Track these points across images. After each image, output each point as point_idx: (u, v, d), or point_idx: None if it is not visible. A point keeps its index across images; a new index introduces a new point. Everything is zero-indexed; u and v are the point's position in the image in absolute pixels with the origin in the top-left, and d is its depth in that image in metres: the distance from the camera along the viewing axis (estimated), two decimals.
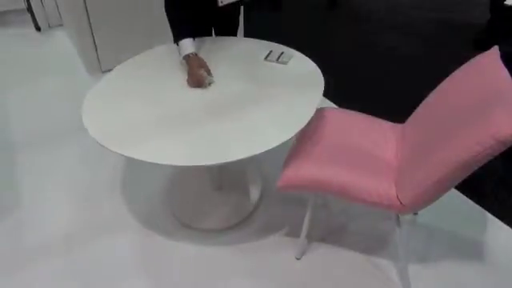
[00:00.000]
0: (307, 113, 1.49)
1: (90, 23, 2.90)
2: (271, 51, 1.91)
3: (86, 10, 2.83)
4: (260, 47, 1.95)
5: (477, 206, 1.97)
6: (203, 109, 1.55)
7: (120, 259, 1.72)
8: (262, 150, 1.32)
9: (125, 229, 1.86)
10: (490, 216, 1.92)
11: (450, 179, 1.22)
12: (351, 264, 1.71)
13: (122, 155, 1.33)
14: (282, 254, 1.75)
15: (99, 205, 1.99)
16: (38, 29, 3.76)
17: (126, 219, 1.91)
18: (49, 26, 3.77)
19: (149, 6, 2.97)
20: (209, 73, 1.71)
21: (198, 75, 1.67)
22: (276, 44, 1.98)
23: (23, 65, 3.21)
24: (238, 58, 1.89)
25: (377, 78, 3.14)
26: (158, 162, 1.30)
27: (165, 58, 1.89)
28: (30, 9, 3.66)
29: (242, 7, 2.30)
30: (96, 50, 3.01)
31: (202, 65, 1.71)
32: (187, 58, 1.73)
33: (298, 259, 1.73)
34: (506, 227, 1.86)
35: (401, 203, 1.36)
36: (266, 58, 1.87)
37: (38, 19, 3.70)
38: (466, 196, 2.01)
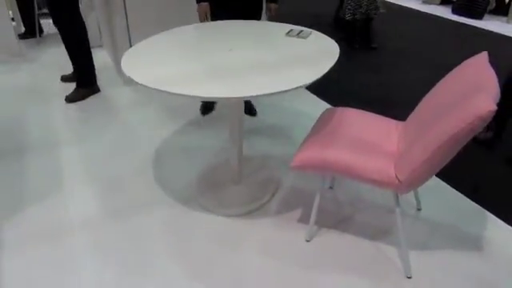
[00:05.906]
0: (322, 70, 1.69)
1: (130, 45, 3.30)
2: (292, 29, 2.20)
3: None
4: (282, 27, 2.25)
5: (477, 205, 2.12)
6: (228, 64, 1.76)
7: (148, 232, 1.94)
8: (281, 89, 1.53)
9: (152, 209, 2.09)
10: (488, 214, 2.06)
11: (440, 154, 1.41)
12: (357, 247, 1.87)
13: (165, 91, 1.54)
14: (293, 236, 1.92)
15: (130, 188, 2.24)
16: None
17: (153, 202, 2.14)
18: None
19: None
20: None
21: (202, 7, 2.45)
22: (296, 26, 2.26)
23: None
24: (261, 33, 2.16)
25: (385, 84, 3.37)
26: (190, 94, 1.51)
27: (192, 32, 2.20)
28: None
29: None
30: None
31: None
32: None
33: (307, 241, 1.90)
34: (503, 224, 2.00)
35: (399, 181, 1.55)
36: (286, 33, 2.14)
37: None
38: (467, 196, 2.18)
